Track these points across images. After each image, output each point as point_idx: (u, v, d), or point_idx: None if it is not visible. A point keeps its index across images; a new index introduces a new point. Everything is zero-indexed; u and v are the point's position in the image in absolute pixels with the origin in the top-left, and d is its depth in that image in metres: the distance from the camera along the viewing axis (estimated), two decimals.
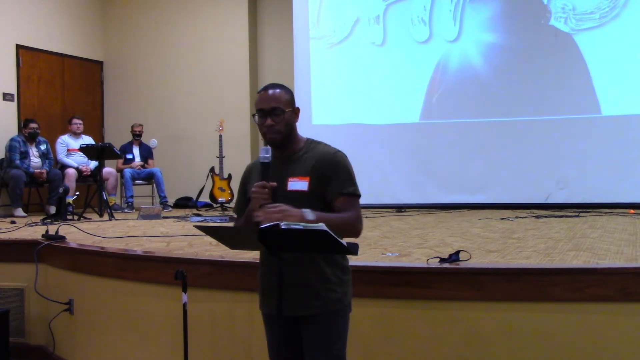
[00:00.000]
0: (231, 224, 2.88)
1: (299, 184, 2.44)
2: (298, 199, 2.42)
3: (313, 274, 2.43)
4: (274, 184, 2.36)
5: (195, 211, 7.99)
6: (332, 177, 2.47)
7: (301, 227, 2.11)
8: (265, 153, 2.41)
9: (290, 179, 2.46)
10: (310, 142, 2.56)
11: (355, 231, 2.46)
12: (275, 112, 2.45)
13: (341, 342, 2.49)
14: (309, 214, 2.30)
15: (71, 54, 9.53)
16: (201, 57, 9.58)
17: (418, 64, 8.01)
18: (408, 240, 4.53)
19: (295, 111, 2.53)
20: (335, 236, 2.10)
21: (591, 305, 3.02)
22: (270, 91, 2.49)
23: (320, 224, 2.11)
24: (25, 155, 7.86)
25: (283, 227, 2.12)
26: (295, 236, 2.14)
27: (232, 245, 2.58)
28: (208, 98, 9.48)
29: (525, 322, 3.09)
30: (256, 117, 2.49)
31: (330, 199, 2.46)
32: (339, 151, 2.54)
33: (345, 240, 2.17)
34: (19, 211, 7.59)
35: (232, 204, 7.38)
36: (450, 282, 3.18)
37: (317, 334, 2.46)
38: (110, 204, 7.64)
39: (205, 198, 8.51)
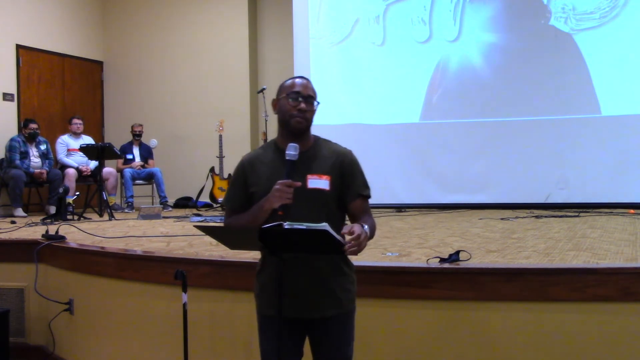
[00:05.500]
0: None
1: (320, 182, 2.41)
2: (318, 198, 2.40)
3: (333, 275, 2.41)
4: (299, 183, 2.33)
5: (195, 211, 7.98)
6: (351, 177, 2.47)
7: (304, 227, 2.09)
8: (294, 151, 2.37)
9: (310, 177, 2.41)
10: (318, 139, 2.54)
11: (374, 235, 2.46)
12: (310, 99, 2.45)
13: (353, 341, 2.50)
14: (366, 228, 2.28)
15: (71, 54, 9.53)
16: (201, 57, 9.58)
17: (418, 64, 8.00)
18: (408, 240, 4.53)
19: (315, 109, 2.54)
20: (336, 236, 2.10)
21: (591, 305, 3.02)
22: (307, 81, 2.50)
23: (324, 223, 2.09)
24: (25, 155, 7.86)
25: (286, 226, 2.11)
26: (296, 236, 2.13)
27: (232, 245, 2.56)
28: (208, 98, 9.48)
29: (525, 322, 3.09)
30: (287, 99, 2.43)
31: (350, 200, 2.46)
32: (351, 150, 2.54)
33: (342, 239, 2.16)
34: (19, 211, 7.59)
35: None
36: (450, 282, 3.18)
37: (334, 335, 2.43)
38: (110, 204, 7.64)
39: (205, 198, 8.51)
